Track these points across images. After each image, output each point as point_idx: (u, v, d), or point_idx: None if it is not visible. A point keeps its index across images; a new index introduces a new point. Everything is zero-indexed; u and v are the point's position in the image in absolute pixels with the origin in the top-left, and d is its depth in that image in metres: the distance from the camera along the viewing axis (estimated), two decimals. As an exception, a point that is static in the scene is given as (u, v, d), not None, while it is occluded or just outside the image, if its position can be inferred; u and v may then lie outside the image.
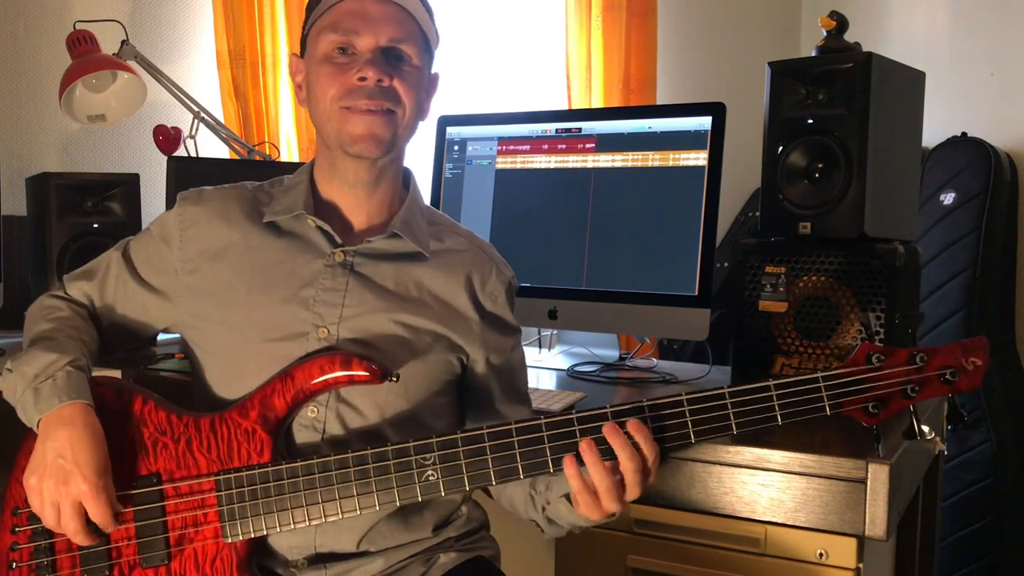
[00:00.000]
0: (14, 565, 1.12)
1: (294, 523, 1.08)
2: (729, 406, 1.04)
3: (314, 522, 1.09)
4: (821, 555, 1.28)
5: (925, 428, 1.06)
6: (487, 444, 1.06)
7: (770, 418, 1.04)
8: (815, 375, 1.04)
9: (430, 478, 1.06)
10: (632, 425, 1.03)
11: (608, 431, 1.03)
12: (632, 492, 1.04)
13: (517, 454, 1.06)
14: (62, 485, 1.05)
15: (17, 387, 1.11)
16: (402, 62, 1.17)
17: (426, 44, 1.21)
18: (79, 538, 1.08)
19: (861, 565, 1.26)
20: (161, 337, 1.96)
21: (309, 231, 1.21)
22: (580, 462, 1.03)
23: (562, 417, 1.05)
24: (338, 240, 1.20)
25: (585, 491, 1.03)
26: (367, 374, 1.09)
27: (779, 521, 1.29)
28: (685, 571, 1.37)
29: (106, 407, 1.12)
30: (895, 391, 1.04)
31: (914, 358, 1.04)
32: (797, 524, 1.28)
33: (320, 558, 1.16)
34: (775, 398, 1.04)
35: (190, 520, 1.11)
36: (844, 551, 1.26)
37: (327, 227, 1.19)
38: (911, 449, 1.38)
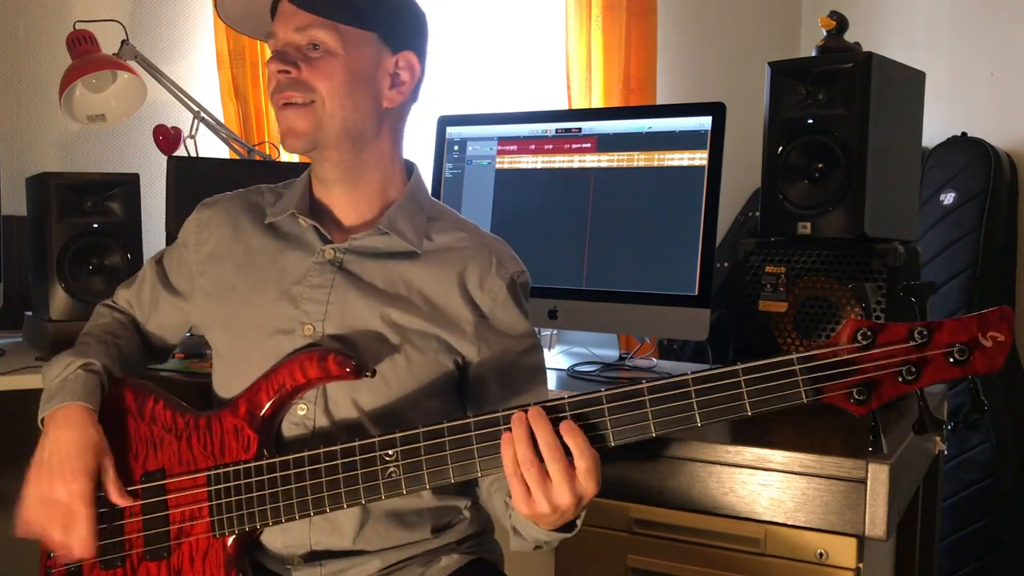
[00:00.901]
0: (52, 554, 1.18)
1: (271, 520, 1.09)
2: (693, 394, 0.93)
3: (289, 520, 1.09)
4: (821, 555, 1.28)
5: (928, 420, 0.91)
6: (446, 439, 1.01)
7: (738, 407, 0.91)
8: (790, 357, 0.90)
9: (393, 475, 1.04)
10: (564, 427, 0.95)
11: (532, 415, 0.96)
12: (559, 489, 0.95)
13: (475, 450, 1.00)
14: (54, 482, 1.09)
15: (44, 389, 1.17)
16: (316, 50, 1.14)
17: (348, 28, 1.15)
18: (56, 536, 1.09)
19: (861, 565, 1.26)
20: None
21: (303, 230, 1.22)
22: None
23: (518, 409, 0.98)
24: (328, 238, 1.21)
25: (515, 477, 0.96)
26: (343, 370, 1.09)
27: (779, 521, 1.29)
28: (685, 571, 1.37)
29: (123, 406, 1.18)
30: (887, 374, 0.88)
31: (913, 334, 0.87)
32: (797, 524, 1.28)
33: (315, 556, 1.17)
34: (743, 384, 0.91)
35: (187, 515, 1.13)
36: (844, 551, 1.26)
37: (317, 225, 1.20)
38: (911, 448, 1.38)
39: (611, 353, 2.10)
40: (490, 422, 1.00)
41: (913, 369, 0.87)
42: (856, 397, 0.89)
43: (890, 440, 1.32)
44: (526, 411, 0.98)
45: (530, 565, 1.52)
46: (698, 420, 0.93)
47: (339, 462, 1.06)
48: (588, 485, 0.95)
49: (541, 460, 0.95)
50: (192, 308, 1.29)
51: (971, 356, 0.86)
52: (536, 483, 0.95)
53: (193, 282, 1.27)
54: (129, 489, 1.14)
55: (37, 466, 1.11)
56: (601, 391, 0.97)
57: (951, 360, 0.87)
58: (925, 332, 0.87)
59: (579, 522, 1.05)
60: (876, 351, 0.88)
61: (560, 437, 0.95)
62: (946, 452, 1.75)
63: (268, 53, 1.22)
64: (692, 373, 0.94)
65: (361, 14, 1.16)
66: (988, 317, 0.86)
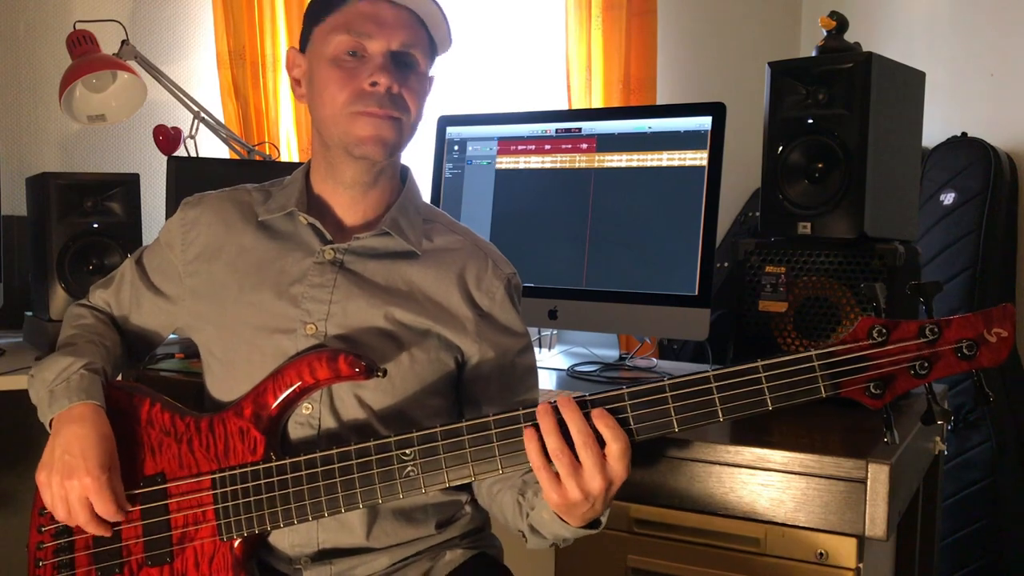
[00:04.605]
0: (40, 563, 1.17)
1: (282, 522, 1.09)
2: (715, 391, 0.96)
3: (302, 522, 1.09)
4: (821, 555, 1.28)
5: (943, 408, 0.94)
6: (466, 437, 1.02)
7: (759, 403, 0.94)
8: (809, 354, 0.94)
9: (411, 474, 1.04)
10: (596, 414, 0.97)
11: (562, 403, 0.97)
12: (591, 475, 0.96)
13: (496, 447, 1.01)
14: (67, 480, 1.08)
15: (38, 391, 1.16)
16: (411, 69, 1.17)
17: (432, 50, 1.21)
18: (90, 528, 1.10)
19: (861, 565, 1.27)
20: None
21: (301, 229, 1.22)
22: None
23: (542, 402, 1.00)
24: (328, 237, 1.21)
25: (544, 470, 0.97)
26: (353, 370, 1.09)
27: (779, 521, 1.29)
28: (685, 571, 1.37)
29: (119, 410, 1.16)
30: (901, 369, 0.92)
31: (924, 330, 0.91)
32: (797, 524, 1.28)
33: (324, 554, 1.17)
34: (764, 380, 0.94)
35: (191, 519, 1.12)
36: (844, 551, 1.26)
37: (318, 224, 1.20)
38: (911, 448, 1.38)
39: (611, 353, 2.10)
40: (510, 419, 1.02)
41: (925, 364, 0.91)
42: (872, 391, 0.93)
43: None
44: (552, 403, 0.99)
45: (530, 565, 1.52)
46: (720, 416, 0.96)
47: (353, 462, 1.06)
48: (619, 468, 0.97)
49: (571, 449, 0.96)
50: (179, 310, 1.27)
51: (978, 351, 0.90)
52: (567, 471, 0.96)
53: (180, 283, 1.26)
54: (128, 494, 1.13)
55: (47, 468, 1.09)
56: (623, 388, 0.99)
57: (959, 355, 0.91)
58: (936, 329, 0.91)
59: (603, 519, 1.05)
60: (890, 347, 0.92)
61: (590, 423, 0.97)
62: (946, 452, 1.75)
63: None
64: (713, 370, 0.96)
65: (442, 39, 1.22)
66: (993, 314, 0.90)
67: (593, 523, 1.05)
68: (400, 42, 1.15)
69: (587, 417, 0.97)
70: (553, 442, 0.97)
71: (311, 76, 1.19)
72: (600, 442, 0.97)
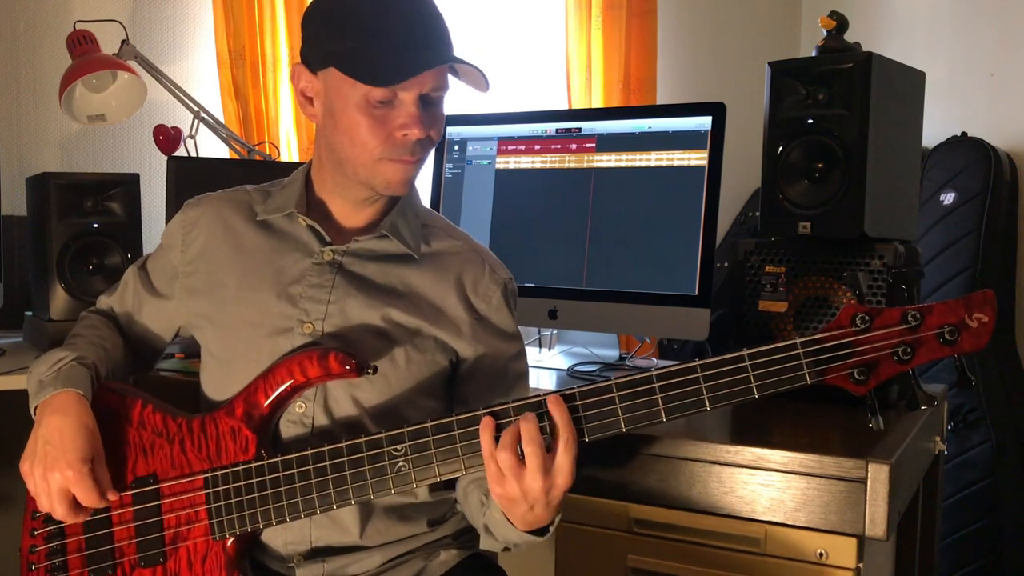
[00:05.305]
0: (33, 567, 1.17)
1: (275, 520, 1.09)
2: (701, 380, 0.97)
3: (294, 519, 1.09)
4: (821, 555, 1.28)
5: (928, 391, 0.95)
6: (456, 432, 1.04)
7: (746, 391, 0.96)
8: (793, 341, 0.95)
9: (401, 469, 1.05)
10: (551, 400, 0.99)
11: (523, 420, 0.99)
12: (532, 476, 0.97)
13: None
14: (49, 472, 1.08)
15: (31, 384, 1.17)
16: (436, 107, 1.16)
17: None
18: (69, 519, 1.11)
19: (861, 565, 1.26)
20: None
21: (300, 230, 1.23)
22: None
23: (530, 400, 1.02)
24: (327, 239, 1.21)
25: (491, 460, 0.99)
26: (344, 368, 1.09)
27: (779, 521, 1.29)
28: (685, 571, 1.37)
29: (111, 411, 1.17)
30: (885, 355, 0.94)
31: (907, 317, 0.93)
32: (797, 524, 1.28)
33: (317, 552, 1.17)
34: (750, 369, 0.96)
35: (183, 519, 1.13)
36: (844, 551, 1.26)
37: (317, 226, 1.21)
38: (911, 448, 1.38)
39: (611, 353, 2.10)
40: (501, 413, 1.02)
41: (908, 350, 0.93)
42: (857, 377, 0.95)
43: (890, 440, 1.33)
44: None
45: (530, 564, 1.52)
46: (707, 404, 0.97)
47: (345, 459, 1.07)
48: (564, 466, 0.98)
49: (522, 456, 0.98)
50: (176, 308, 1.28)
51: (959, 336, 0.92)
52: (511, 470, 0.98)
53: (180, 282, 1.27)
54: (121, 495, 1.13)
55: (30, 459, 1.10)
56: (611, 379, 0.99)
57: (942, 340, 0.93)
58: (918, 315, 0.93)
59: (552, 528, 1.07)
60: (874, 334, 0.94)
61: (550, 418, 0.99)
62: (946, 452, 1.74)
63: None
64: (699, 360, 0.97)
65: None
66: (973, 300, 0.92)
67: (540, 531, 1.06)
68: (431, 87, 1.13)
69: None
70: (504, 456, 0.98)
71: (330, 107, 1.15)
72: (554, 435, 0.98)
